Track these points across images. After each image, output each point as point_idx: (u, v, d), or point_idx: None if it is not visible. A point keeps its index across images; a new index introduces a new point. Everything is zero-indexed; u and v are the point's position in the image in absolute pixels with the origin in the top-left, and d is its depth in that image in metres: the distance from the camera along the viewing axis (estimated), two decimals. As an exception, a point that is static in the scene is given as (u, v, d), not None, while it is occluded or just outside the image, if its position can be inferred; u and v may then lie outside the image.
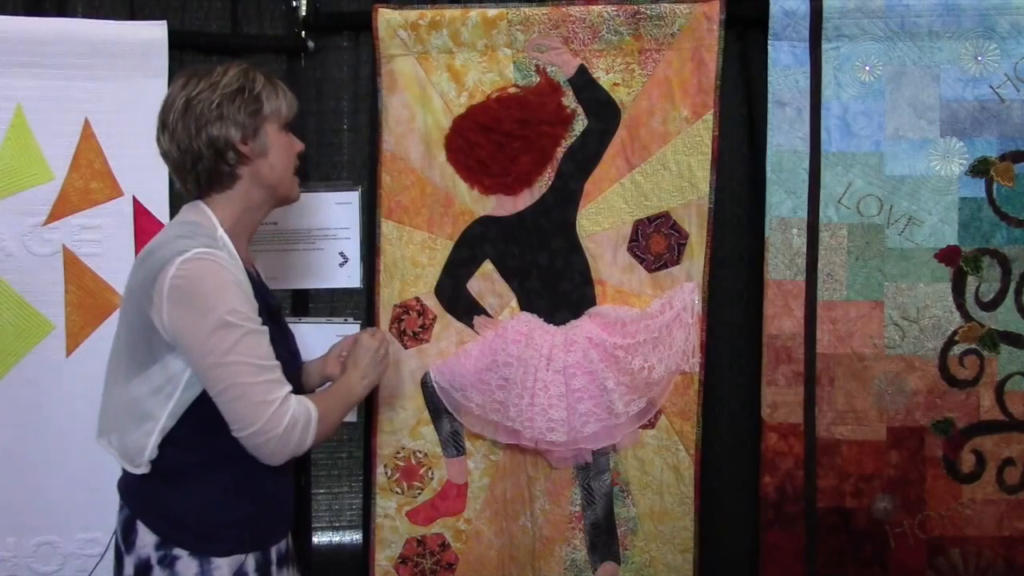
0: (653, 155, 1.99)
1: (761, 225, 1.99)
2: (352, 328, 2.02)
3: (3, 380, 1.95)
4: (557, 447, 1.98)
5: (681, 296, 1.99)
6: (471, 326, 2.05)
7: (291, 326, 1.97)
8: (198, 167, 1.47)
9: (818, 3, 1.93)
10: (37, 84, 1.93)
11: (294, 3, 2.08)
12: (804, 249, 1.98)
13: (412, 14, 1.97)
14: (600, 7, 1.95)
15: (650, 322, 1.98)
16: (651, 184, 2.00)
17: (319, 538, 2.35)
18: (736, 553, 2.08)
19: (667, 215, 2.00)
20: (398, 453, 2.07)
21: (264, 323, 1.43)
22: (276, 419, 1.38)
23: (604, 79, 1.99)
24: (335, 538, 2.40)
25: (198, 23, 2.14)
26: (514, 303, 2.04)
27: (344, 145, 2.20)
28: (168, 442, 1.42)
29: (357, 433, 2.17)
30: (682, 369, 2.00)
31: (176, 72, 1.75)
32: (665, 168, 1.99)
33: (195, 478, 1.44)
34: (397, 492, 2.08)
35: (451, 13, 1.97)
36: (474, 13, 1.96)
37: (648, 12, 1.94)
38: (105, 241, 1.98)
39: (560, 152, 2.01)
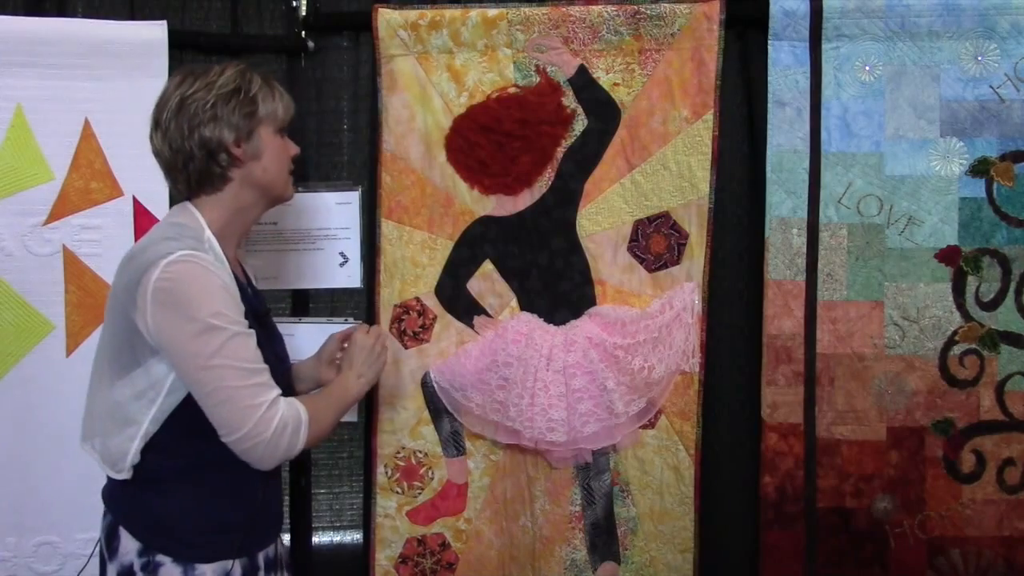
0: (653, 155, 1.99)
1: (761, 225, 1.99)
2: (353, 328, 2.02)
3: (3, 380, 1.96)
4: (557, 447, 1.98)
5: (681, 296, 1.99)
6: (471, 326, 2.05)
7: (291, 326, 2.00)
8: (189, 167, 1.45)
9: (818, 3, 1.93)
10: (37, 84, 1.93)
11: (294, 3, 2.08)
12: (804, 249, 1.98)
13: (412, 14, 1.97)
14: (600, 7, 1.95)
15: (650, 322, 1.98)
16: (651, 184, 2.00)
17: (320, 538, 2.35)
18: (736, 553, 2.08)
19: (667, 215, 2.00)
20: (398, 453, 2.07)
21: (250, 326, 1.40)
22: (264, 423, 1.35)
23: (604, 79, 1.99)
24: (336, 538, 2.40)
25: (198, 23, 2.14)
26: (514, 303, 2.04)
27: (344, 145, 2.20)
28: (151, 447, 1.40)
29: (357, 433, 2.17)
30: (682, 369, 2.00)
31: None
32: (665, 168, 1.99)
33: (178, 484, 1.42)
34: (397, 492, 2.08)
35: (451, 13, 1.97)
36: (474, 13, 1.96)
37: (648, 12, 1.94)
38: (105, 241, 1.98)
39: (560, 152, 2.01)
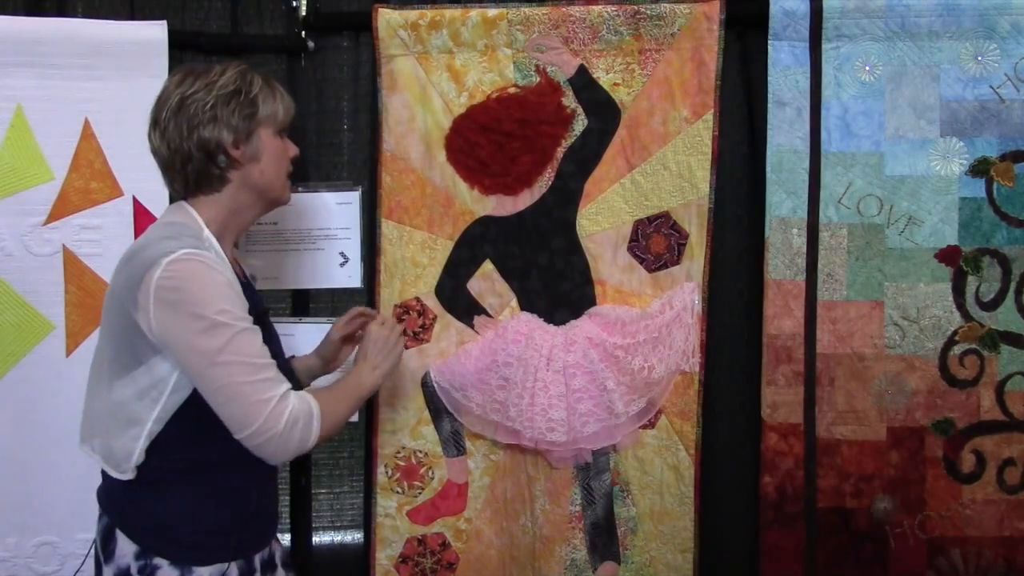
0: (653, 155, 1.99)
1: (761, 225, 1.99)
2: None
3: (3, 380, 1.96)
4: (557, 447, 1.98)
5: (681, 296, 1.99)
6: (471, 326, 2.05)
7: (291, 326, 2.00)
8: (187, 168, 1.44)
9: (818, 3, 1.93)
10: (37, 84, 1.93)
11: (294, 3, 2.08)
12: (804, 249, 1.98)
13: (412, 14, 1.97)
14: (600, 7, 1.95)
15: (650, 322, 1.98)
16: (651, 184, 2.00)
17: (320, 537, 2.35)
18: (736, 553, 2.08)
19: (667, 215, 2.00)
20: (399, 453, 2.08)
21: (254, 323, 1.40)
22: (274, 417, 1.34)
23: (604, 79, 1.99)
24: (336, 537, 2.40)
25: (198, 23, 2.14)
26: (514, 303, 2.04)
27: (344, 145, 2.20)
28: (153, 448, 1.39)
29: (358, 433, 2.17)
30: (682, 369, 2.00)
31: (175, 70, 1.74)
32: (665, 168, 1.99)
33: (177, 485, 1.41)
34: (398, 492, 2.08)
35: (451, 13, 1.97)
36: (474, 13, 1.96)
37: (648, 12, 1.94)
38: (105, 241, 1.98)
39: (560, 152, 2.01)
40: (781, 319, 1.98)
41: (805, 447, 1.99)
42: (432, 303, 2.05)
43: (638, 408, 2.00)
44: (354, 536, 2.34)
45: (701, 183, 1.98)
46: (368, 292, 2.07)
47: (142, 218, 1.98)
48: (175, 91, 1.44)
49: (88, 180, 1.97)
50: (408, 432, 2.07)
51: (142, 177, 1.95)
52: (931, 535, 1.98)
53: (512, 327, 2.01)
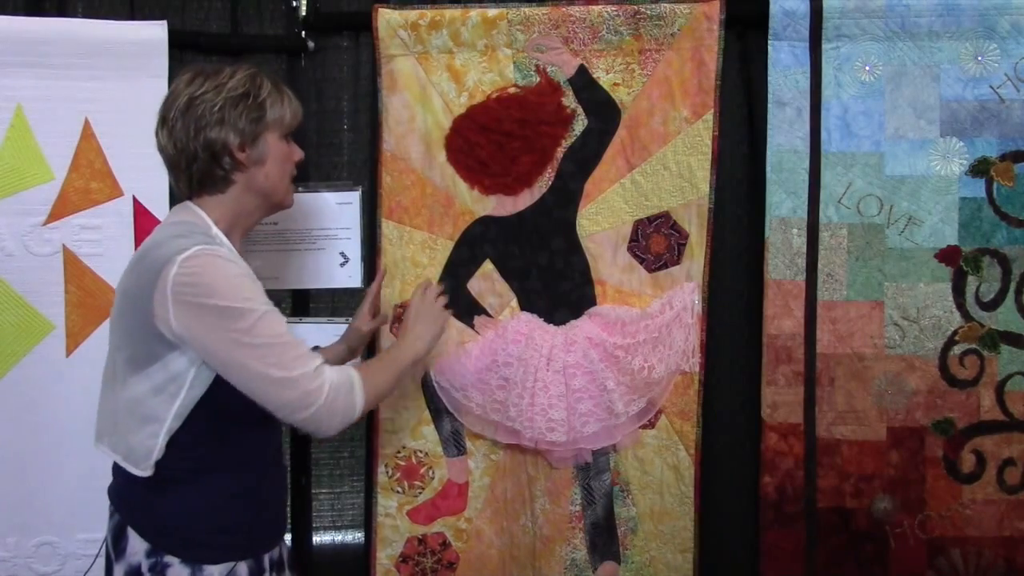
0: (653, 155, 1.99)
1: (761, 225, 1.99)
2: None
3: (3, 380, 1.96)
4: (557, 447, 1.98)
5: (681, 296, 1.99)
6: (471, 326, 2.05)
7: (291, 326, 1.98)
8: (192, 168, 1.44)
9: (818, 3, 1.93)
10: (37, 84, 1.93)
11: (294, 3, 2.08)
12: (804, 249, 1.98)
13: (412, 14, 1.97)
14: (600, 7, 1.95)
15: (650, 322, 1.98)
16: (651, 184, 2.00)
17: (321, 537, 2.35)
18: (736, 553, 2.08)
19: (667, 215, 2.00)
20: (399, 452, 2.08)
21: None
22: (315, 392, 1.35)
23: (604, 79, 1.99)
24: (337, 537, 2.40)
25: (198, 23, 2.14)
26: (514, 303, 2.05)
27: (344, 145, 2.20)
28: (171, 444, 1.39)
29: (359, 433, 2.17)
30: (682, 369, 2.00)
31: (176, 72, 1.72)
32: (665, 168, 1.99)
33: (190, 484, 1.41)
34: (398, 491, 2.08)
35: (451, 13, 1.97)
36: (474, 13, 1.96)
37: (648, 12, 1.94)
38: (105, 241, 1.98)
39: (560, 152, 2.01)
40: (781, 319, 1.98)
41: (805, 447, 1.99)
42: (432, 303, 2.05)
43: (638, 408, 2.00)
44: (354, 536, 2.35)
45: (701, 183, 1.98)
46: (368, 292, 2.07)
47: (142, 218, 1.98)
48: (184, 91, 1.44)
49: (88, 180, 1.97)
50: (408, 432, 2.07)
51: (142, 177, 1.96)
52: (931, 535, 1.99)
53: (512, 327, 2.01)
